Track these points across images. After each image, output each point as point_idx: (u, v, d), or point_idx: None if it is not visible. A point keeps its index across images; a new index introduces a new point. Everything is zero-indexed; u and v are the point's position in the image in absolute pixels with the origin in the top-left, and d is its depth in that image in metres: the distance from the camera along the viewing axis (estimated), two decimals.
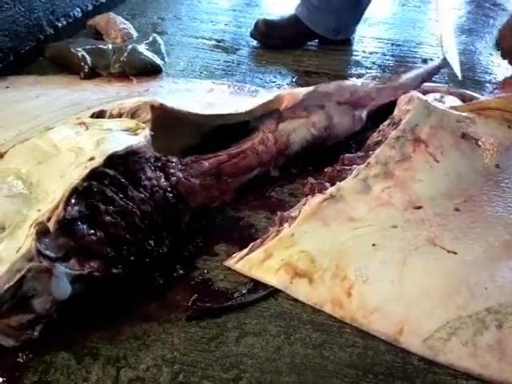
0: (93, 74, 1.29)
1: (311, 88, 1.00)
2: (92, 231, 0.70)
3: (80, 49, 1.33)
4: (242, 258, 0.79)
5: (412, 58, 1.47)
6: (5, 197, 0.73)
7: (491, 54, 1.51)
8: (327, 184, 0.85)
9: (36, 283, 0.65)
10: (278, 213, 0.84)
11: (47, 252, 0.66)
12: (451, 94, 1.21)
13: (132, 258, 0.75)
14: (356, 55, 1.50)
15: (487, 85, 1.33)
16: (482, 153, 0.88)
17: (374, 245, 0.77)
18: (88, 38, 1.49)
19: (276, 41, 1.48)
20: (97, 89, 1.22)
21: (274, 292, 0.77)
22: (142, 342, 0.70)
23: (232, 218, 0.91)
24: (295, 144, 0.99)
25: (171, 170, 0.83)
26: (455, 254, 0.76)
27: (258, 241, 0.82)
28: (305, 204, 0.83)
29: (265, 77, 1.37)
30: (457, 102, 1.10)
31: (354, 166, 0.86)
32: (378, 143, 0.89)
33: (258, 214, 0.92)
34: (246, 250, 0.80)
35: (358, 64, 1.45)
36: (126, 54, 1.32)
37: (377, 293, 0.72)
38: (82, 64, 1.29)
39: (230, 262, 0.80)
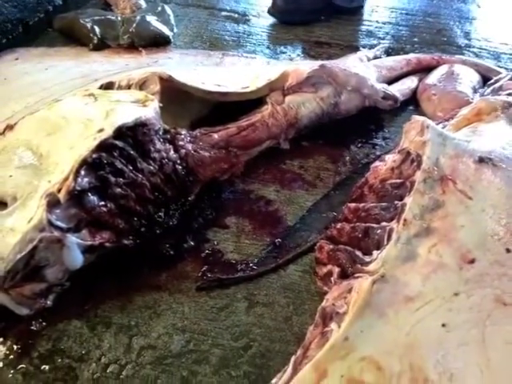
0: (102, 46, 1.28)
1: (316, 66, 0.98)
2: (102, 202, 0.71)
3: (89, 20, 1.32)
4: (286, 383, 0.61)
5: (426, 28, 1.43)
6: (16, 168, 0.74)
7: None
8: (357, 252, 0.71)
9: (48, 253, 0.67)
10: (319, 308, 0.67)
11: (58, 223, 0.67)
12: (466, 64, 1.18)
13: (142, 230, 0.76)
14: (369, 25, 1.46)
15: (503, 55, 1.30)
16: (503, 173, 0.78)
17: (443, 325, 0.65)
18: (97, 8, 1.47)
19: (294, 17, 1.45)
20: (106, 60, 1.21)
21: (282, 264, 0.77)
22: (153, 311, 0.72)
23: (242, 191, 0.91)
24: (305, 117, 0.97)
25: (180, 143, 0.83)
26: None
27: (300, 352, 0.64)
28: (349, 291, 0.67)
29: (275, 48, 1.35)
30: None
31: (384, 223, 0.72)
32: (400, 187, 0.76)
33: (268, 187, 0.92)
34: (289, 371, 0.62)
35: (370, 34, 1.41)
36: (134, 25, 1.30)
37: None
38: (91, 35, 1.28)
39: None
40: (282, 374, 0.62)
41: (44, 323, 0.70)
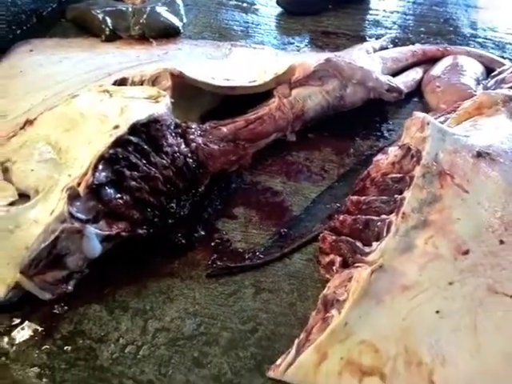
0: (114, 37, 1.31)
1: (322, 60, 1.01)
2: (119, 195, 0.76)
3: (100, 11, 1.34)
4: (290, 364, 0.66)
5: (433, 17, 1.45)
6: (37, 162, 0.78)
7: None
8: (358, 243, 0.74)
9: (69, 243, 0.71)
10: (321, 295, 0.71)
11: (78, 214, 0.72)
12: (470, 55, 1.20)
13: (156, 220, 0.80)
14: (376, 14, 1.48)
15: (508, 46, 1.31)
16: (500, 167, 0.81)
17: (437, 312, 0.68)
18: None
19: (302, 7, 1.46)
20: (118, 52, 1.24)
21: (288, 253, 0.81)
22: (167, 297, 0.77)
23: (249, 182, 0.94)
24: (311, 110, 1.01)
25: (191, 137, 0.87)
26: None
27: (303, 335, 0.68)
28: (349, 280, 0.71)
29: (283, 38, 1.37)
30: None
31: (384, 216, 0.75)
32: (400, 181, 0.78)
33: (275, 179, 0.95)
34: (292, 353, 0.67)
35: (377, 24, 1.43)
36: (145, 16, 1.33)
37: (460, 373, 0.65)
38: (103, 27, 1.30)
39: (278, 372, 0.66)
40: (286, 356, 0.67)
41: (66, 307, 0.74)
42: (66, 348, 0.71)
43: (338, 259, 0.75)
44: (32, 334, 0.72)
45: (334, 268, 0.75)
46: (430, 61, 1.22)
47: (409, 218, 0.74)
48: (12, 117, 0.96)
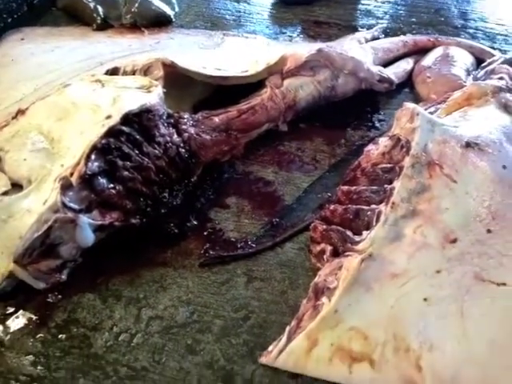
0: (105, 26, 1.30)
1: (313, 50, 1.01)
2: (111, 185, 0.76)
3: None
4: (281, 350, 0.67)
5: (424, 7, 1.45)
6: (30, 151, 0.78)
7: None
8: (348, 232, 0.75)
9: (62, 232, 0.72)
10: (312, 284, 0.73)
11: (71, 204, 0.72)
12: (461, 46, 1.21)
13: (148, 210, 0.81)
14: (368, 4, 1.48)
15: (499, 36, 1.32)
16: (488, 157, 0.82)
17: (425, 299, 0.69)
18: None
19: None
20: (110, 41, 1.24)
21: (279, 242, 0.83)
22: (160, 285, 0.77)
23: (242, 172, 0.95)
24: (302, 100, 1.01)
25: (183, 127, 0.87)
26: (504, 285, 0.71)
27: (294, 323, 0.70)
28: (339, 268, 0.72)
29: (275, 28, 1.37)
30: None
31: (373, 205, 0.76)
32: (389, 171, 0.79)
33: (267, 169, 0.96)
34: (283, 339, 0.68)
35: (369, 14, 1.43)
36: (136, 5, 1.31)
37: (447, 359, 0.66)
38: (94, 15, 1.29)
39: (269, 358, 0.68)
40: (277, 342, 0.68)
41: (60, 296, 0.75)
42: (60, 336, 0.71)
43: (329, 248, 0.76)
44: (26, 322, 0.73)
45: (325, 257, 0.76)
46: (421, 51, 1.22)
47: (398, 208, 0.75)
48: (4, 106, 0.96)
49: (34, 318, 0.73)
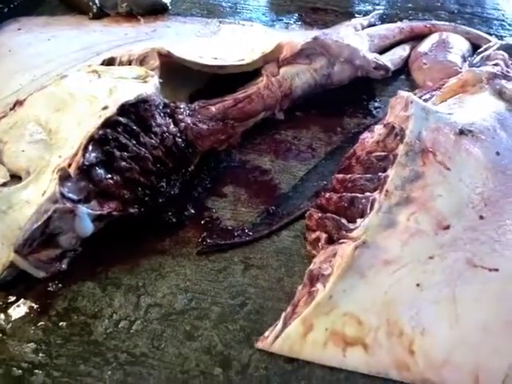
0: (101, 14, 1.30)
1: (309, 38, 1.01)
2: (109, 175, 0.77)
3: None
4: (277, 335, 0.69)
5: None
6: (28, 143, 0.79)
7: None
8: (343, 220, 0.76)
9: (61, 222, 0.73)
10: (307, 270, 0.74)
11: (70, 195, 0.73)
12: (457, 32, 1.21)
13: (146, 199, 0.81)
14: None
15: (495, 22, 1.32)
16: (481, 144, 0.83)
17: (418, 285, 0.71)
18: None
19: None
20: (106, 30, 1.24)
21: (276, 230, 0.84)
22: (159, 273, 0.79)
23: (238, 161, 0.96)
24: (299, 88, 1.01)
25: (180, 116, 0.87)
26: (497, 270, 0.72)
27: (289, 309, 0.71)
28: (334, 255, 0.73)
29: (271, 15, 1.36)
30: None
31: (368, 193, 0.77)
32: (384, 159, 0.80)
33: (263, 157, 0.97)
34: (279, 325, 0.69)
35: (365, 0, 1.43)
36: None
37: (439, 343, 0.67)
38: (90, 4, 1.29)
39: (266, 343, 0.69)
40: (273, 328, 0.70)
41: (60, 285, 0.77)
42: (61, 324, 0.73)
43: (324, 236, 0.77)
44: (28, 311, 0.74)
45: (320, 244, 0.77)
46: (417, 37, 1.22)
47: (392, 196, 0.76)
48: (1, 97, 0.96)
49: (35, 306, 0.75)
